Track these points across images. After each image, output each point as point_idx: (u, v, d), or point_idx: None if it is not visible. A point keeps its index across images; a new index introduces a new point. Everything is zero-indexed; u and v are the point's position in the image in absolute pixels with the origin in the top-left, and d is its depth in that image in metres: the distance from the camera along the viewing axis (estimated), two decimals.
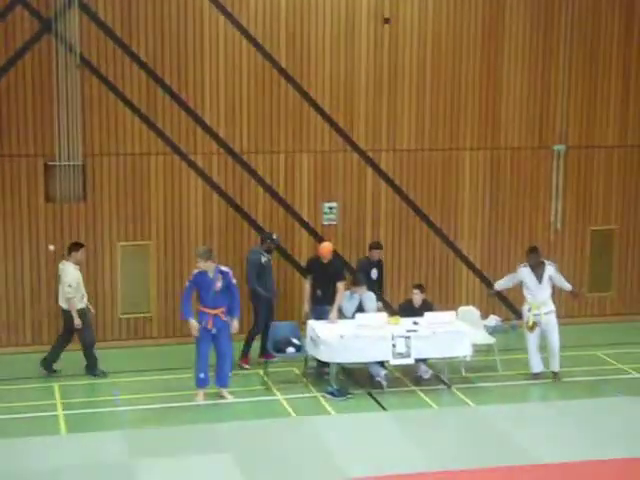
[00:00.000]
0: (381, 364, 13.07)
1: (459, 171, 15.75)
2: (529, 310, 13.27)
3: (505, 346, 14.39)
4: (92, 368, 13.35)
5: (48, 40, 13.95)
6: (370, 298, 13.58)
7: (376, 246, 14.49)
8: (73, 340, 13.47)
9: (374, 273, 14.21)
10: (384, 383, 12.98)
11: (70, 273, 13.24)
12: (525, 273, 13.31)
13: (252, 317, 14.03)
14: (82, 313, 13.30)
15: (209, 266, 12.32)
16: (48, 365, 13.41)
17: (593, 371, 13.83)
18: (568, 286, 13.58)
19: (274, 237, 14.30)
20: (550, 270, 13.31)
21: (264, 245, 14.10)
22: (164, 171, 14.66)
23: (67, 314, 13.33)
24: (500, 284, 13.88)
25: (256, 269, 13.86)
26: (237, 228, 15.03)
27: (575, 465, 10.44)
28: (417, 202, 15.65)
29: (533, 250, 13.52)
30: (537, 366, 13.34)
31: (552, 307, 13.28)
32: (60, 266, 13.52)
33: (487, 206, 15.93)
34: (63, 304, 13.35)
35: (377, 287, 14.10)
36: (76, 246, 13.49)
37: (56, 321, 14.40)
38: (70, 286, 13.15)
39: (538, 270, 13.26)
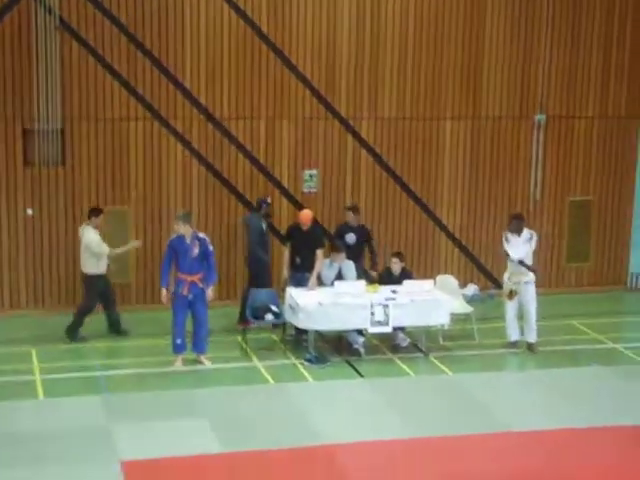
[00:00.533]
0: (359, 332, 13.12)
1: (440, 140, 15.74)
2: (509, 278, 13.30)
3: (483, 315, 14.46)
4: (73, 331, 13.33)
5: (27, 2, 13.80)
6: (349, 267, 13.60)
7: (349, 208, 14.48)
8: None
9: (350, 237, 14.15)
10: (362, 350, 13.04)
11: (91, 235, 13.25)
12: (508, 235, 13.32)
13: (244, 280, 14.19)
14: (100, 279, 13.31)
15: (187, 230, 12.30)
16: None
17: (569, 340, 13.94)
18: (529, 262, 13.24)
19: (269, 201, 14.36)
20: (528, 233, 13.29)
21: (262, 210, 14.15)
22: (144, 136, 14.59)
23: (90, 279, 13.30)
24: (513, 252, 13.20)
25: (257, 236, 13.95)
26: (217, 194, 15.00)
27: (549, 433, 10.55)
28: (397, 170, 15.65)
29: (517, 217, 13.51)
30: (514, 335, 13.43)
31: (532, 277, 13.33)
32: (80, 230, 13.54)
33: (467, 175, 15.95)
34: (86, 269, 13.32)
35: (356, 254, 14.03)
36: (95, 211, 13.48)
37: (34, 286, 14.39)
38: (91, 248, 13.18)
39: (519, 231, 13.27)
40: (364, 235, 14.36)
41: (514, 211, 15.41)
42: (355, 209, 14.51)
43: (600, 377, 12.41)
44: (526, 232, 13.33)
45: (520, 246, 13.21)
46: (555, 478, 9.47)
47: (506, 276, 13.40)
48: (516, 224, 13.32)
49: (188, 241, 12.32)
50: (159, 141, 14.66)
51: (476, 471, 9.63)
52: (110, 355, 12.99)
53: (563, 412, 11.13)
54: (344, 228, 14.32)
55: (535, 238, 13.33)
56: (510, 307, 13.35)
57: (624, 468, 9.77)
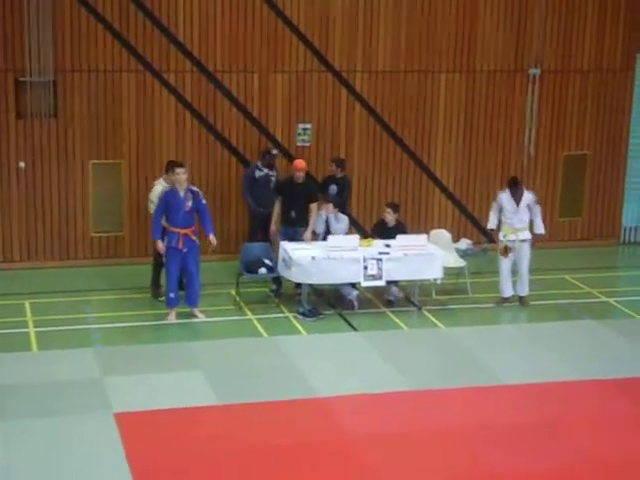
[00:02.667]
0: (352, 285, 13.16)
1: (434, 94, 15.66)
2: (504, 236, 13.30)
3: (476, 269, 14.51)
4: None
5: None
6: (339, 219, 13.59)
7: (333, 160, 14.51)
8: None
9: (332, 189, 14.18)
10: (355, 303, 13.09)
11: (156, 191, 13.02)
12: (504, 198, 13.30)
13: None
14: None
15: (182, 180, 12.22)
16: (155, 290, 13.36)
17: (562, 294, 14.00)
18: (540, 226, 13.44)
19: (273, 152, 14.41)
20: (529, 198, 13.31)
21: (263, 160, 14.20)
22: (136, 89, 14.49)
23: None
24: (492, 222, 13.50)
25: (248, 183, 14.14)
26: (210, 148, 14.94)
27: (542, 386, 10.63)
28: (391, 124, 15.59)
29: (513, 180, 13.47)
30: (507, 291, 13.44)
31: (528, 235, 13.32)
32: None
33: (461, 129, 15.90)
34: None
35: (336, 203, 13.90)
36: (168, 165, 13.04)
37: (27, 239, 14.37)
38: (152, 202, 13.01)
39: (517, 196, 13.26)
40: (346, 184, 14.43)
41: (507, 166, 15.46)
42: (339, 162, 14.48)
43: (592, 330, 12.48)
44: (527, 196, 13.30)
45: (522, 215, 13.22)
46: (545, 430, 9.56)
47: (501, 234, 13.37)
48: (515, 191, 13.25)
49: (182, 194, 12.30)
50: (152, 94, 14.57)
51: (468, 423, 9.71)
52: (104, 308, 13.00)
53: (554, 365, 11.21)
54: (328, 180, 14.35)
55: (534, 199, 13.34)
56: (505, 264, 13.34)
57: (611, 419, 9.86)
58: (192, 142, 14.85)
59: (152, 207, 12.92)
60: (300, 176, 13.49)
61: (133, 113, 14.53)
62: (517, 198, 13.26)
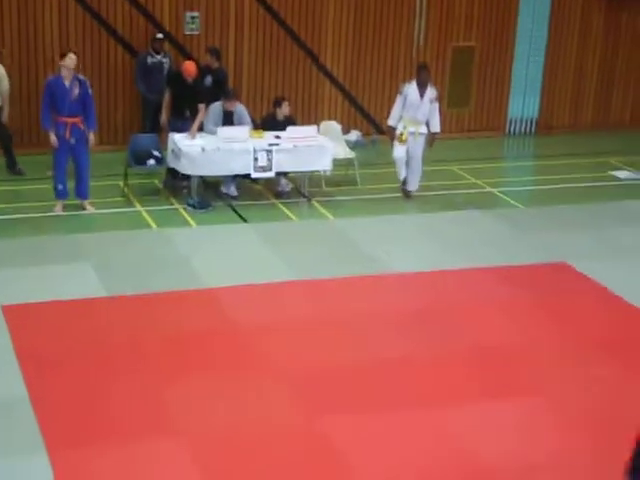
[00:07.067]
0: (232, 179, 13.11)
1: None
2: (404, 127, 13.23)
3: (365, 161, 14.62)
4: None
5: None
6: (240, 113, 13.39)
7: (209, 49, 14.26)
8: None
9: (207, 80, 13.89)
10: (233, 194, 13.13)
11: None
12: (411, 89, 13.20)
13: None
14: None
15: (70, 66, 11.87)
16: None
17: (448, 185, 14.25)
18: (436, 125, 13.33)
19: (158, 36, 14.29)
20: (432, 93, 13.25)
21: (152, 46, 14.21)
22: None
23: None
24: (394, 117, 13.30)
25: (140, 69, 14.13)
26: (95, 36, 14.53)
27: (426, 274, 10.92)
28: (281, 13, 15.39)
29: (423, 67, 13.39)
30: (403, 173, 13.43)
31: (425, 130, 13.33)
32: None
33: (351, 20, 15.79)
34: None
35: (213, 96, 13.48)
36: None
37: None
38: None
39: (422, 88, 13.21)
40: (222, 77, 14.14)
41: (397, 57, 15.45)
42: (213, 51, 14.20)
43: (475, 220, 12.78)
44: (430, 90, 13.23)
45: (424, 108, 13.13)
46: (429, 316, 9.85)
47: (401, 125, 13.23)
48: (424, 74, 13.14)
49: (67, 82, 11.97)
50: None
51: (355, 311, 9.94)
52: None
53: (438, 254, 11.48)
54: (204, 70, 13.96)
55: (436, 95, 13.23)
56: (400, 149, 13.32)
57: (491, 306, 10.21)
58: (76, 30, 14.40)
59: None
60: (190, 77, 13.20)
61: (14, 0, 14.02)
62: (422, 91, 13.19)
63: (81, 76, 12.25)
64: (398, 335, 9.46)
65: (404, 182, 13.57)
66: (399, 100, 13.27)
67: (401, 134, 13.26)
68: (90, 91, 12.18)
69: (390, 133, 13.45)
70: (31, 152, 13.98)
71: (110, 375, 8.50)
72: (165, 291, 10.14)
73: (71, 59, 11.98)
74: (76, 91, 12.00)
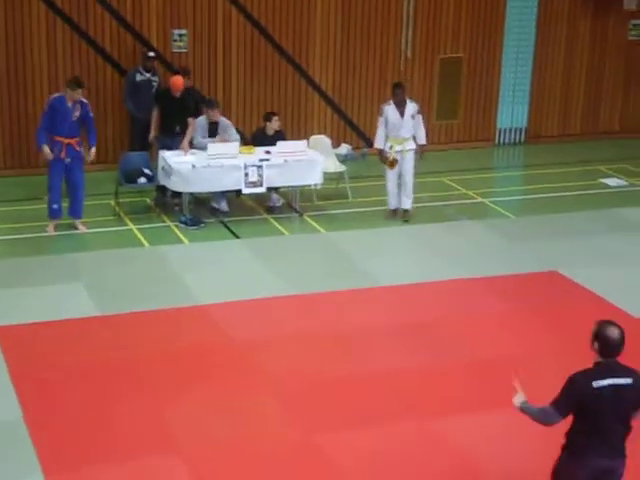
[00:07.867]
0: (222, 194, 13.15)
1: None
2: (390, 148, 13.21)
3: (356, 174, 14.64)
4: None
5: None
6: (224, 127, 13.46)
7: (178, 71, 13.98)
8: None
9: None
10: (224, 211, 13.15)
11: None
12: (390, 111, 13.11)
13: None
14: None
15: (77, 99, 11.96)
16: None
17: (439, 197, 14.28)
18: (422, 137, 13.26)
19: (149, 54, 14.23)
20: (413, 108, 13.21)
21: (143, 64, 14.15)
22: None
23: None
24: (379, 140, 13.19)
25: (129, 87, 14.05)
26: (83, 55, 14.54)
27: (417, 286, 10.93)
28: (269, 29, 15.43)
29: (398, 86, 13.33)
30: (393, 203, 13.33)
31: (413, 145, 13.28)
32: None
33: (339, 33, 15.82)
34: None
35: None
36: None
37: None
38: None
39: (401, 107, 13.17)
40: (192, 94, 13.82)
41: (385, 70, 15.46)
42: (184, 71, 13.97)
43: (467, 231, 12.81)
44: (410, 106, 13.15)
45: (407, 126, 13.02)
46: (419, 329, 9.86)
47: (387, 146, 13.18)
48: (399, 93, 13.04)
49: (70, 103, 12.00)
50: (21, 1, 14.04)
51: (346, 325, 9.95)
52: None
53: (430, 266, 11.50)
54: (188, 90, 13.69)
55: (417, 110, 13.12)
56: (391, 175, 13.27)
57: (481, 317, 10.22)
58: (64, 50, 14.40)
59: None
60: (178, 92, 13.21)
61: (2, 18, 13.98)
62: (401, 109, 13.15)
63: (83, 99, 12.27)
64: (393, 348, 9.46)
65: (394, 212, 13.41)
66: (381, 122, 13.16)
67: (390, 162, 13.13)
68: (91, 114, 12.25)
69: (380, 155, 13.33)
70: (24, 173, 13.98)
71: (106, 395, 8.48)
72: (159, 309, 10.12)
73: (78, 94, 12.02)
74: (77, 113, 12.05)
